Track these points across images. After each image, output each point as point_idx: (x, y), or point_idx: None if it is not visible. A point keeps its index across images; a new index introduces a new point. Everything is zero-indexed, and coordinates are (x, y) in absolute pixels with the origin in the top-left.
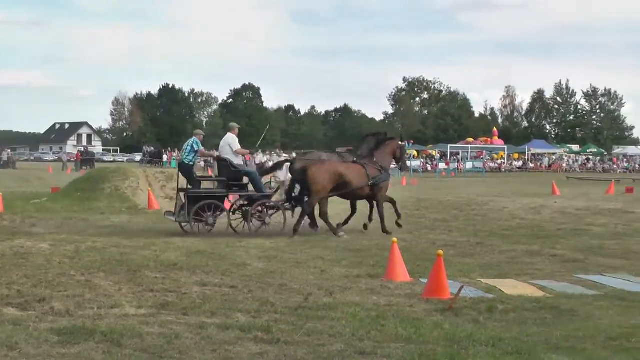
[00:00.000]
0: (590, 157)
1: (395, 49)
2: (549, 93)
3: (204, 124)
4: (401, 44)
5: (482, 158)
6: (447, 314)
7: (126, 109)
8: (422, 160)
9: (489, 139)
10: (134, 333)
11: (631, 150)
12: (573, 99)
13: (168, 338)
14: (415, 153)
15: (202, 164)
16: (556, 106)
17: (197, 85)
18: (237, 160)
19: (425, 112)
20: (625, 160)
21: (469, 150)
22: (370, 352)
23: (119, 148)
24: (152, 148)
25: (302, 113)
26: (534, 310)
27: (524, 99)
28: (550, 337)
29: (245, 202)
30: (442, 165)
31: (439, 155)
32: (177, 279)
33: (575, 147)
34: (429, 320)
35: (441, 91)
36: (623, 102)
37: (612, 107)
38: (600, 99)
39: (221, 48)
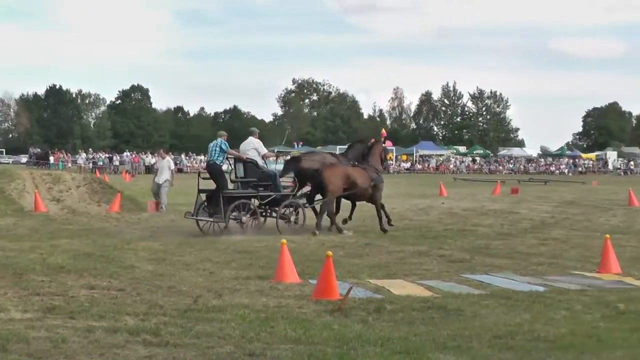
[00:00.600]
0: (477, 158)
1: (285, 50)
2: (436, 95)
3: (91, 125)
4: (290, 45)
5: None
6: (336, 315)
7: (12, 110)
8: None
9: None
10: (20, 338)
11: (516, 151)
12: (460, 101)
13: (55, 342)
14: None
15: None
16: (443, 108)
17: (84, 86)
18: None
19: (315, 113)
20: (510, 161)
21: None
22: (260, 353)
23: (4, 150)
24: (39, 150)
25: (191, 114)
26: (421, 310)
27: (412, 101)
28: (437, 336)
29: (264, 202)
30: None
31: None
32: (64, 282)
33: (462, 149)
34: (318, 321)
35: (330, 93)
36: (508, 104)
37: (497, 109)
38: (486, 101)
39: (109, 48)
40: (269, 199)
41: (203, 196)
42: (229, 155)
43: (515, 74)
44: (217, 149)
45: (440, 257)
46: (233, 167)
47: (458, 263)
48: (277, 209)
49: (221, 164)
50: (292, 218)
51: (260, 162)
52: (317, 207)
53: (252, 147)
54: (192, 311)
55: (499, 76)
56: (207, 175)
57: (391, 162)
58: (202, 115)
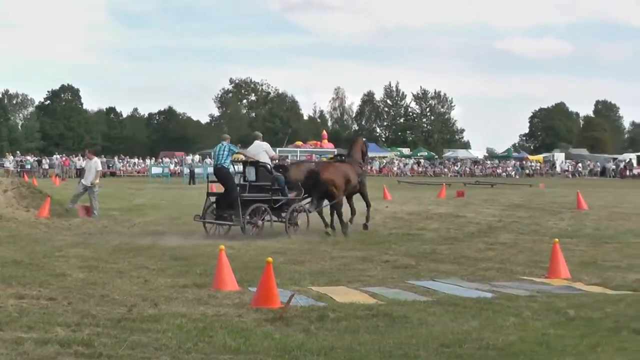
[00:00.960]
0: (421, 160)
1: (222, 50)
2: (378, 95)
3: (19, 126)
4: (227, 44)
5: (311, 162)
6: (277, 324)
7: None
8: None
9: (318, 143)
10: None
11: (461, 153)
12: (403, 101)
13: None
14: (241, 157)
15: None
16: (386, 109)
17: (11, 86)
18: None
19: (253, 114)
20: (455, 163)
21: (298, 154)
22: None
23: None
24: None
25: (124, 115)
26: (366, 318)
27: (353, 102)
28: (382, 345)
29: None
30: None
31: None
32: None
33: (406, 151)
34: (259, 330)
35: (269, 93)
36: (453, 105)
37: (442, 109)
38: (430, 102)
39: (37, 47)
40: (280, 203)
41: (212, 199)
42: (242, 158)
43: (460, 74)
44: (225, 152)
45: (384, 262)
46: (241, 171)
47: (403, 269)
48: (283, 213)
49: (228, 167)
50: (297, 222)
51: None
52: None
53: (263, 149)
54: (127, 321)
55: (443, 76)
56: (214, 179)
57: None
58: (136, 117)
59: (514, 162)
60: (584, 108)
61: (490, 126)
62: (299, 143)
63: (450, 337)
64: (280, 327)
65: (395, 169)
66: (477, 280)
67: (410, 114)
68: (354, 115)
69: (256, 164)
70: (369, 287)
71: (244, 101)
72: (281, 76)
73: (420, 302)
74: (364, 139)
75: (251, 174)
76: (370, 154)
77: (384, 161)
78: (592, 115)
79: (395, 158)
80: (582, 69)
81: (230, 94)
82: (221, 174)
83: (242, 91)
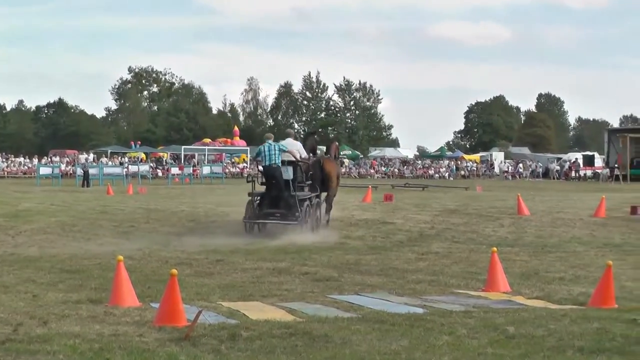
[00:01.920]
0: (345, 160)
1: (119, 34)
2: (297, 87)
3: None
4: (125, 29)
5: (221, 162)
6: (183, 344)
7: None
8: (152, 164)
9: (229, 140)
10: None
11: (389, 152)
12: (324, 94)
13: None
14: (143, 156)
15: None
16: (305, 102)
17: None
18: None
19: (155, 107)
20: (383, 163)
21: (206, 153)
22: None
23: None
24: None
25: (8, 109)
26: (283, 336)
27: (268, 94)
28: None
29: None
30: (174, 170)
31: (171, 158)
32: None
33: None
34: (162, 351)
35: (173, 84)
36: (380, 97)
37: (367, 103)
38: (354, 94)
39: None
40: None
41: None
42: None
43: (388, 64)
44: (276, 151)
45: (303, 275)
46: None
47: (324, 282)
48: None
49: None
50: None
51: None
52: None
53: (296, 148)
54: (12, 342)
55: (369, 66)
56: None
57: (245, 164)
58: (22, 110)
59: (447, 162)
60: (525, 102)
61: (421, 122)
62: (207, 140)
63: (377, 357)
64: (187, 347)
65: None
66: (407, 294)
67: (332, 107)
68: (269, 109)
69: (293, 162)
70: (286, 303)
71: (145, 93)
72: (187, 65)
73: (344, 319)
74: (337, 143)
75: (288, 172)
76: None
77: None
78: (534, 110)
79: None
80: (523, 58)
81: (129, 85)
82: (276, 173)
83: (143, 81)
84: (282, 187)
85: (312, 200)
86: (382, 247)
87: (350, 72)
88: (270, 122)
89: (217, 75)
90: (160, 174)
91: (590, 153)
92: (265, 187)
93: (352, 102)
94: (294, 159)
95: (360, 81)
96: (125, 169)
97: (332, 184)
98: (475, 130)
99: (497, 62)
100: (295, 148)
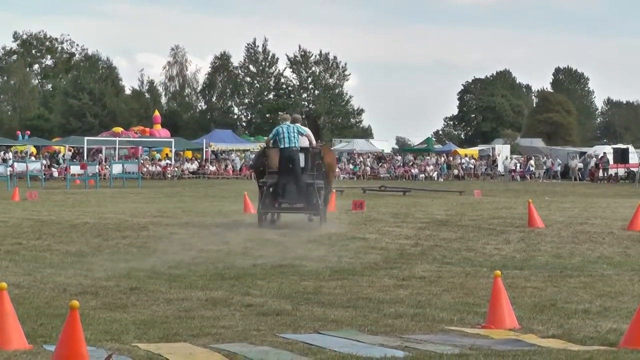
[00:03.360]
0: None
1: None
2: (237, 59)
3: None
4: None
5: (137, 158)
6: None
7: None
8: (45, 161)
9: (147, 129)
10: None
11: (360, 145)
12: (274, 68)
13: None
14: (33, 150)
15: None
16: (248, 79)
17: None
18: None
19: (49, 86)
20: (351, 160)
21: (117, 146)
22: None
23: None
24: None
25: None
26: None
27: (200, 68)
28: None
29: None
30: (75, 169)
31: (70, 153)
32: None
33: None
34: None
35: (73, 55)
36: (347, 74)
37: (330, 80)
38: (313, 69)
39: None
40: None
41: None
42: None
43: (357, 30)
44: (295, 133)
45: (246, 307)
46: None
47: (274, 316)
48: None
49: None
50: None
51: None
52: None
53: (308, 133)
54: None
55: (333, 32)
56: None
57: (168, 161)
58: None
59: (436, 158)
60: (538, 79)
61: (401, 106)
62: (118, 130)
63: None
64: None
65: None
66: (383, 332)
67: (284, 86)
68: (199, 88)
69: (306, 149)
70: (223, 344)
71: (36, 67)
72: (91, 30)
73: None
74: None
75: (302, 159)
76: (224, 146)
77: (245, 157)
78: (549, 89)
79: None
80: (534, 22)
81: (15, 57)
82: (296, 156)
83: (33, 52)
84: (299, 173)
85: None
86: (349, 270)
87: (307, 41)
88: (202, 104)
89: (130, 44)
90: (56, 174)
91: (624, 146)
92: (278, 173)
93: (309, 79)
94: (306, 146)
95: (321, 52)
96: (10, 168)
97: (331, 177)
98: (473, 116)
99: (500, 26)
100: (306, 132)
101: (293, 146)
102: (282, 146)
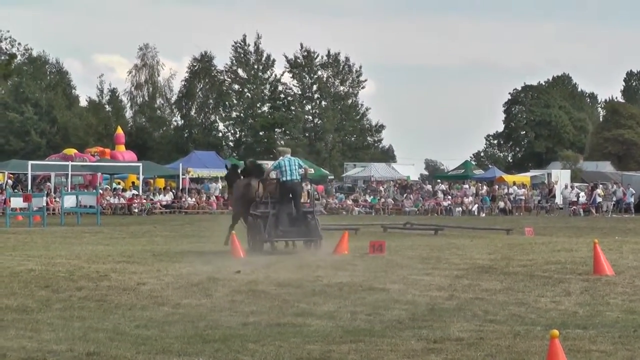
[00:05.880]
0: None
1: None
2: (222, 60)
3: None
4: None
5: (96, 188)
6: None
7: None
8: None
9: (108, 151)
10: None
11: (379, 170)
12: (269, 72)
13: None
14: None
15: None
16: (237, 86)
17: None
18: None
19: None
20: (368, 189)
21: (70, 173)
22: None
23: None
24: None
25: None
26: None
27: (174, 73)
28: None
29: None
30: (16, 202)
31: (10, 181)
32: None
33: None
34: None
35: (14, 57)
36: (362, 80)
37: (342, 88)
38: (319, 73)
39: None
40: None
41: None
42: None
43: (376, 23)
44: (296, 166)
45: None
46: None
47: None
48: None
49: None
50: None
51: None
52: None
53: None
54: None
55: (343, 28)
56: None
57: (134, 191)
58: None
59: (476, 187)
60: (606, 86)
61: (431, 121)
62: (71, 152)
63: None
64: None
65: None
66: None
67: (283, 96)
68: (174, 98)
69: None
70: None
71: None
72: (36, 24)
73: None
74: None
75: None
76: (204, 172)
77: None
78: (620, 99)
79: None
80: (601, 13)
81: None
82: (298, 188)
83: None
84: (299, 203)
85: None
86: (366, 330)
87: (311, 38)
88: (178, 119)
89: (86, 42)
90: None
91: None
92: (278, 203)
93: (314, 87)
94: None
95: (329, 52)
96: None
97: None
98: (523, 133)
99: (556, 18)
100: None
101: (295, 179)
102: (284, 179)
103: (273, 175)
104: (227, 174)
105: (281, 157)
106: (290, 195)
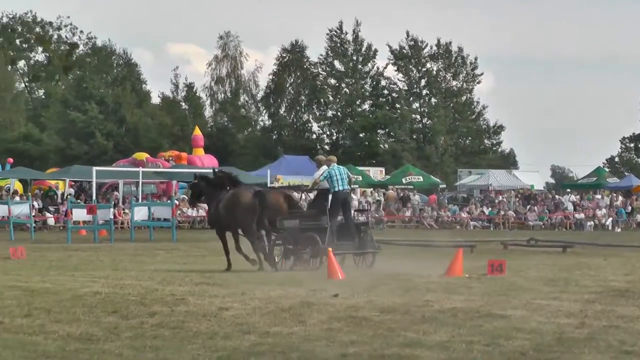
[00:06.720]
0: (412, 194)
1: None
2: (316, 51)
3: None
4: None
5: (171, 198)
6: None
7: None
8: (35, 202)
9: (185, 155)
10: None
11: (498, 178)
12: (370, 64)
13: None
14: (17, 186)
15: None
16: (333, 80)
17: None
18: None
19: (41, 92)
20: (485, 200)
21: (141, 181)
22: None
23: None
24: None
25: None
26: None
27: (260, 65)
28: None
29: None
30: (79, 214)
31: (72, 190)
32: None
33: (377, 173)
34: None
35: (75, 46)
36: (478, 73)
37: (454, 83)
38: (428, 66)
39: None
40: None
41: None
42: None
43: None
44: (345, 175)
45: None
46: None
47: None
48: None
49: None
50: None
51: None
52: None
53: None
54: None
55: (457, 12)
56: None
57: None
58: None
59: (610, 197)
60: None
61: (558, 121)
62: (142, 156)
63: None
64: None
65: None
66: None
67: (386, 92)
68: (260, 94)
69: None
70: None
71: (21, 64)
72: (100, 11)
73: None
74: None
75: (328, 198)
76: (296, 180)
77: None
78: None
79: (357, 188)
80: None
81: None
82: (348, 198)
83: (17, 42)
84: (351, 214)
85: None
86: None
87: (418, 25)
88: (264, 118)
89: (158, 30)
90: (51, 221)
91: None
92: (330, 215)
93: (423, 81)
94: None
95: (439, 41)
96: None
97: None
98: None
99: None
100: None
101: (347, 189)
102: (337, 189)
103: (325, 185)
104: (197, 185)
105: (325, 167)
106: (344, 207)
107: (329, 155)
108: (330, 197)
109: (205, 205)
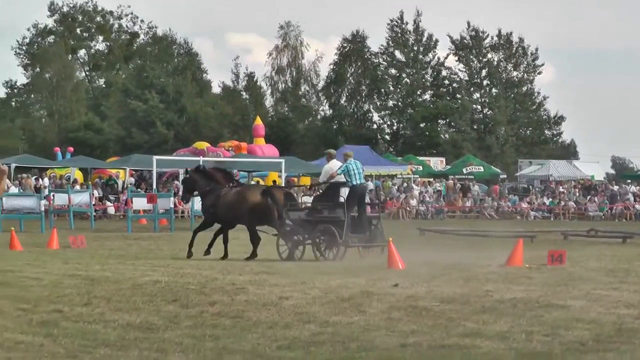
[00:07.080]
0: (471, 184)
1: None
2: (377, 41)
3: None
4: None
5: None
6: None
7: None
8: (95, 191)
9: (245, 145)
10: None
11: (559, 168)
12: (431, 54)
13: None
14: (78, 175)
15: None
16: (394, 70)
17: None
18: None
19: (101, 81)
20: (545, 190)
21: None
22: None
23: None
24: None
25: None
26: None
27: (321, 55)
28: None
29: None
30: (139, 203)
31: (132, 179)
32: None
33: (438, 163)
34: None
35: (136, 36)
36: (539, 63)
37: (515, 74)
38: (489, 56)
39: None
40: None
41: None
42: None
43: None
44: (361, 169)
45: None
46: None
47: None
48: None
49: None
50: None
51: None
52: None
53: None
54: None
55: (519, 1)
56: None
57: None
58: None
59: None
60: None
61: (620, 112)
62: (202, 146)
63: None
64: None
65: (413, 201)
66: None
67: (447, 82)
68: (321, 84)
69: (345, 184)
70: None
71: (82, 52)
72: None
73: None
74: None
75: (344, 191)
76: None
77: (391, 185)
78: None
79: (411, 177)
80: None
81: (52, 38)
82: (365, 192)
83: (77, 31)
84: (365, 208)
85: None
86: (544, 353)
87: (478, 15)
88: (325, 108)
89: (219, 19)
90: (111, 210)
91: None
92: (346, 209)
93: (484, 72)
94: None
95: (499, 32)
96: (45, 201)
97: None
98: None
99: None
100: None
101: (364, 183)
102: (355, 183)
103: (341, 179)
104: (190, 178)
105: (336, 160)
106: (361, 201)
107: (350, 152)
108: (347, 190)
109: None
